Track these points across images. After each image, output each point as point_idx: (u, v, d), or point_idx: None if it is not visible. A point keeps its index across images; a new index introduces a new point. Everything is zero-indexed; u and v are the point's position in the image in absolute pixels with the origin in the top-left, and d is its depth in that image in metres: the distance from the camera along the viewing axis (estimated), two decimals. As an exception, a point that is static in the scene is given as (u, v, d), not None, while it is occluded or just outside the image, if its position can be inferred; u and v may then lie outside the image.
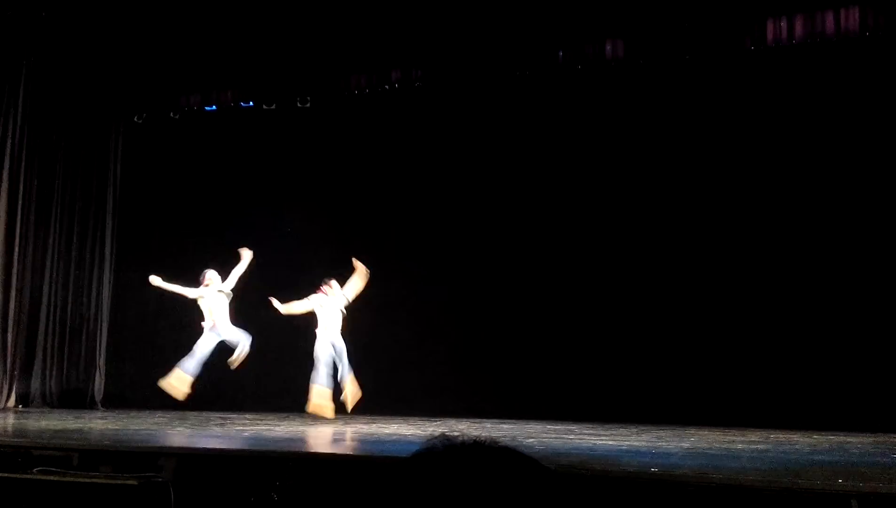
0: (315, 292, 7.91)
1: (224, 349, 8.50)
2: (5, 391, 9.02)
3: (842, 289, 7.40)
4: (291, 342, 8.58)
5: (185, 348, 8.67)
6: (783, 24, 7.57)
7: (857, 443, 5.80)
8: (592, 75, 8.46)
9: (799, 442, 5.82)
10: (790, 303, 7.58)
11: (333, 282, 7.93)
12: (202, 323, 7.94)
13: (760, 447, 5.48)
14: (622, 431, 6.53)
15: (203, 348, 7.89)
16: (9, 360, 9.08)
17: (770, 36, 7.60)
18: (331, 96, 9.39)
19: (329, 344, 7.71)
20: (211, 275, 8.10)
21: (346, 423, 7.37)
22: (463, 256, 8.85)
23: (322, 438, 6.31)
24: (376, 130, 9.41)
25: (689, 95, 8.18)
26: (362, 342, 8.84)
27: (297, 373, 8.30)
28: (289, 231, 9.25)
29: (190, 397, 8.00)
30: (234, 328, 7.98)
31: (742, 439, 5.99)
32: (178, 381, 7.74)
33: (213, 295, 8.00)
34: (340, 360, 7.64)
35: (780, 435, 6.28)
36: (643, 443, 5.63)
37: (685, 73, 8.15)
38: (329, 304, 7.81)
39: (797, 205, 7.70)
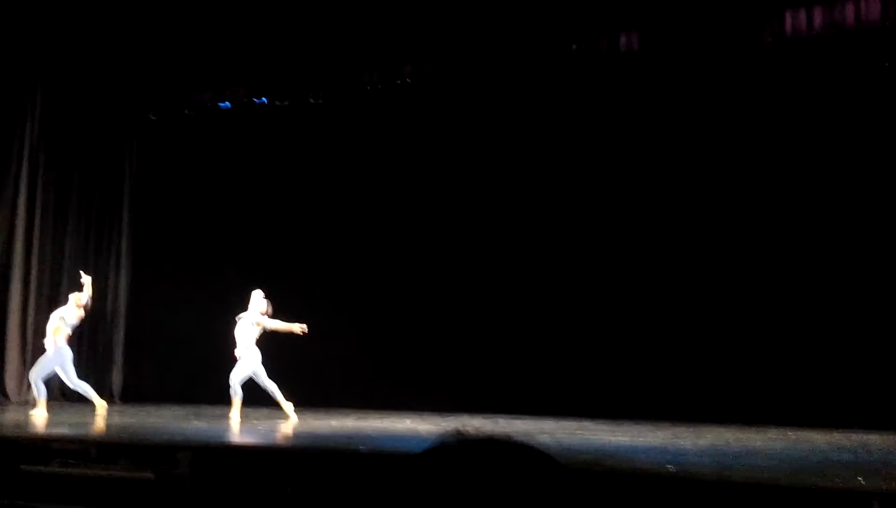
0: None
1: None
2: (25, 386, 9.13)
3: (863, 285, 7.28)
4: (306, 340, 8.59)
5: (201, 344, 8.72)
6: (802, 15, 7.46)
7: (878, 442, 5.71)
8: (606, 68, 8.38)
9: (818, 440, 5.74)
10: (809, 299, 7.47)
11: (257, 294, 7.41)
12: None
13: (779, 445, 5.41)
14: (638, 428, 6.49)
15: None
16: (28, 355, 9.18)
17: (788, 27, 7.49)
18: (343, 92, 9.39)
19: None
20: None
21: (360, 419, 7.38)
22: (479, 251, 8.81)
23: (336, 433, 6.33)
24: (389, 125, 9.39)
25: (705, 88, 8.07)
26: (373, 338, 8.86)
27: (312, 370, 8.32)
28: None
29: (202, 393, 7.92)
30: None
31: (760, 437, 5.92)
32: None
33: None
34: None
35: (799, 433, 6.20)
36: (659, 440, 5.58)
37: (700, 65, 8.05)
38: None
39: (814, 200, 7.58)
